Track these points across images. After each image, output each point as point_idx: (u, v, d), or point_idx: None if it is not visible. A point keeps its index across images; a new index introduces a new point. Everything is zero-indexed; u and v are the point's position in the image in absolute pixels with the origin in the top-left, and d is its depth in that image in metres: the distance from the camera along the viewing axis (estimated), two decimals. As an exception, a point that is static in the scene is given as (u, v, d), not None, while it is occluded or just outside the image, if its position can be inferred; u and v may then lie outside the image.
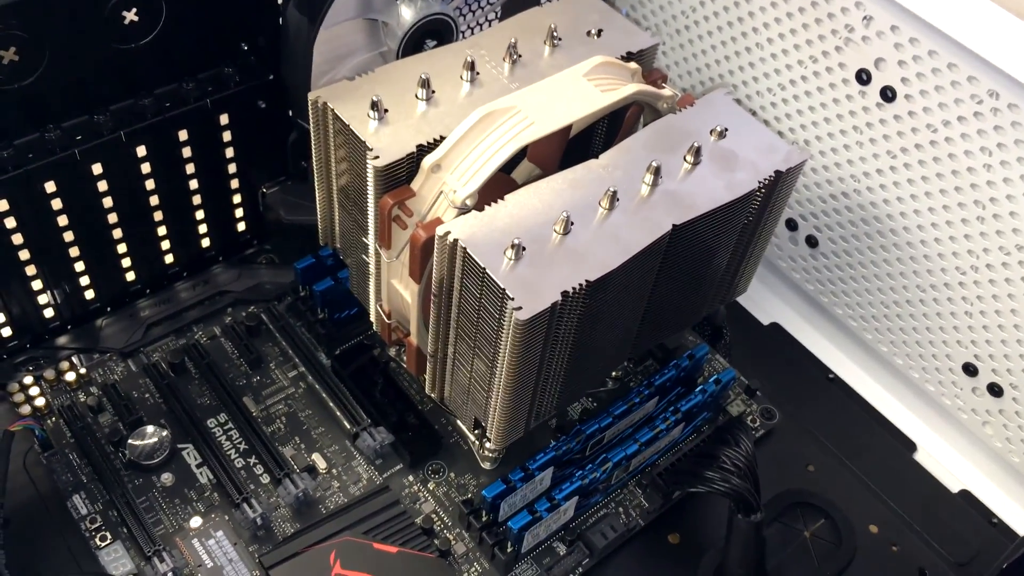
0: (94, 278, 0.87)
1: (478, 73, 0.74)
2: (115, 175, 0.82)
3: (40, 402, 0.83)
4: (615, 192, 0.67)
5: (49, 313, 0.86)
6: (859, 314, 0.99)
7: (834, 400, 0.97)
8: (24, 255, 0.81)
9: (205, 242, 0.94)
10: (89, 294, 0.88)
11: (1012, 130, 0.77)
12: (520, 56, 0.76)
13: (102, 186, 0.81)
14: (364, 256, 0.76)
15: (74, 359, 0.87)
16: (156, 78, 0.80)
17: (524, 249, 0.63)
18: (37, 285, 0.84)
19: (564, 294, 0.62)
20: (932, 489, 0.91)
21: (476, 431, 0.76)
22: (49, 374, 0.85)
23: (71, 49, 0.74)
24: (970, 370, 0.91)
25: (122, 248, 0.87)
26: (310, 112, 0.72)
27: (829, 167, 0.93)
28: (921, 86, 0.82)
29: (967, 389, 0.92)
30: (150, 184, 0.85)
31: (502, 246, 0.63)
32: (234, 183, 0.92)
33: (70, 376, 0.85)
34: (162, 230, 0.89)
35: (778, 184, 0.73)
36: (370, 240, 0.73)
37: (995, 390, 0.90)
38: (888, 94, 0.85)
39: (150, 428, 0.82)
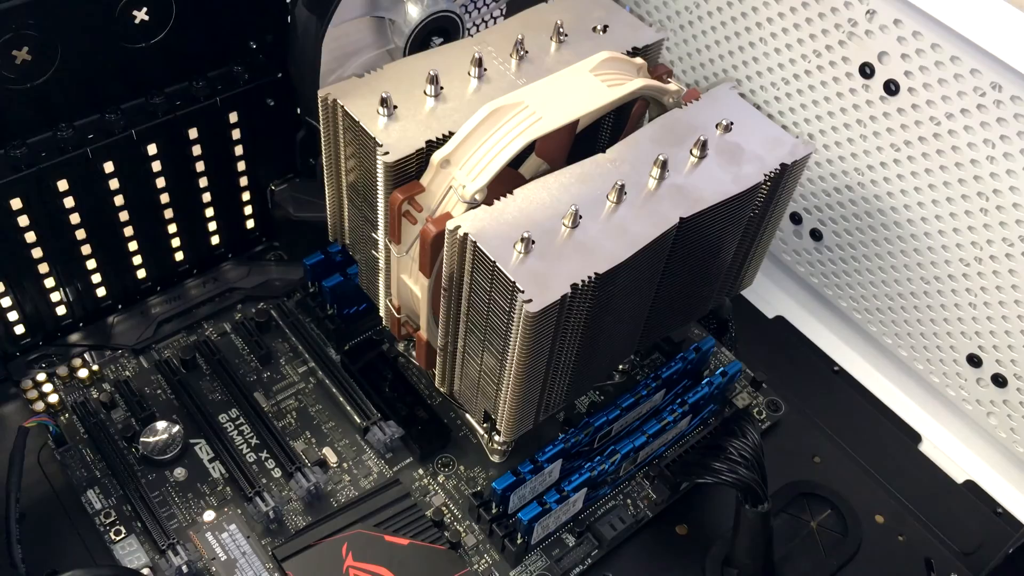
0: (105, 276, 0.88)
1: (485, 69, 0.75)
2: (126, 173, 0.82)
3: (53, 399, 0.84)
4: (623, 186, 0.67)
5: (61, 311, 0.87)
6: (863, 306, 1.00)
7: (839, 392, 0.98)
8: (36, 253, 0.82)
9: (215, 239, 0.94)
10: (101, 292, 0.89)
11: (1015, 122, 0.78)
12: (527, 52, 0.76)
13: (113, 184, 0.82)
14: (374, 251, 0.77)
15: (86, 356, 0.88)
16: (166, 77, 0.81)
17: (533, 242, 0.64)
18: (49, 283, 0.85)
19: (573, 287, 0.63)
20: (937, 479, 0.92)
21: (486, 424, 0.77)
22: (62, 371, 0.86)
23: (82, 49, 0.74)
24: (974, 361, 0.91)
25: (133, 246, 0.88)
26: (320, 109, 0.73)
27: (833, 160, 0.94)
28: (924, 79, 0.83)
29: (971, 380, 0.93)
30: (160, 182, 0.86)
31: (511, 240, 0.64)
32: (243, 180, 0.92)
33: (83, 373, 0.86)
34: (172, 228, 0.90)
35: (784, 177, 0.74)
36: (380, 235, 0.74)
37: (999, 381, 0.90)
38: (891, 87, 0.85)
39: (162, 424, 0.83)
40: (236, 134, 0.88)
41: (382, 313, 0.81)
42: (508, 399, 0.69)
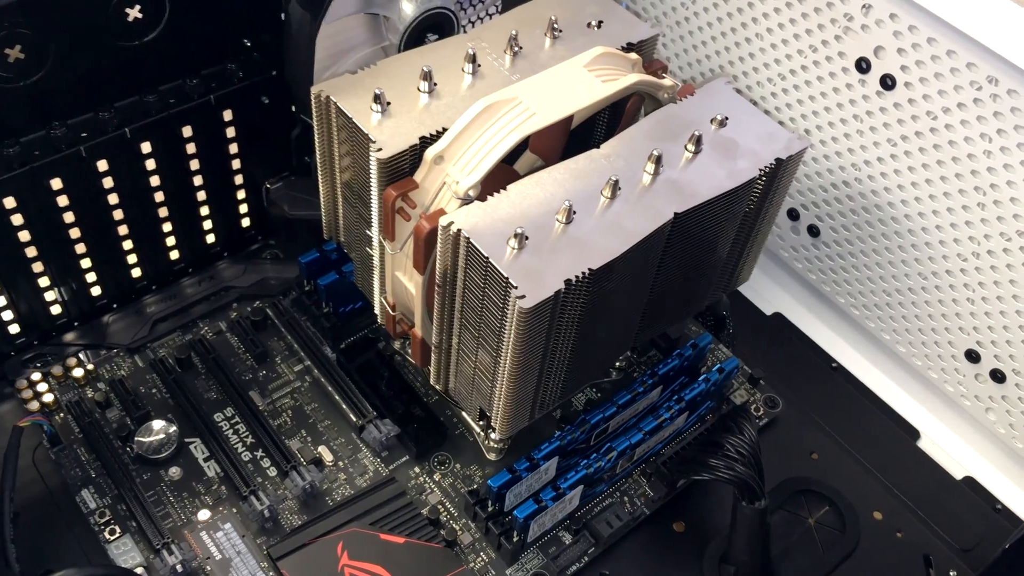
0: (100, 275, 0.88)
1: (479, 65, 0.74)
2: (120, 172, 0.82)
3: (48, 398, 0.84)
4: (617, 181, 0.67)
5: (56, 310, 0.87)
6: (861, 302, 1.00)
7: (837, 388, 0.98)
8: (31, 252, 0.82)
9: (210, 238, 0.94)
10: (96, 291, 0.89)
11: (1012, 116, 0.77)
12: (521, 48, 0.76)
13: (107, 183, 0.82)
14: (368, 249, 0.77)
15: (81, 355, 0.87)
16: (160, 75, 0.81)
17: (527, 238, 0.64)
18: (44, 282, 0.84)
19: (567, 282, 0.62)
20: (936, 476, 0.91)
21: (481, 422, 0.76)
22: (57, 370, 0.85)
23: (76, 47, 0.74)
24: (973, 357, 0.91)
25: (128, 244, 0.88)
26: (313, 106, 0.73)
27: (830, 156, 0.94)
28: (920, 74, 0.82)
29: (970, 376, 0.92)
30: (155, 180, 0.85)
31: (505, 236, 0.64)
32: (238, 179, 0.92)
33: (78, 372, 0.86)
34: (167, 226, 0.90)
35: (779, 172, 0.73)
36: (374, 233, 0.74)
37: (998, 376, 0.90)
38: (888, 82, 0.85)
39: (157, 423, 0.82)
40: (231, 132, 0.88)
41: (377, 311, 0.81)
42: (503, 396, 0.69)
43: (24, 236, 0.80)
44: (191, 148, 0.86)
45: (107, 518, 0.77)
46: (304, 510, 0.80)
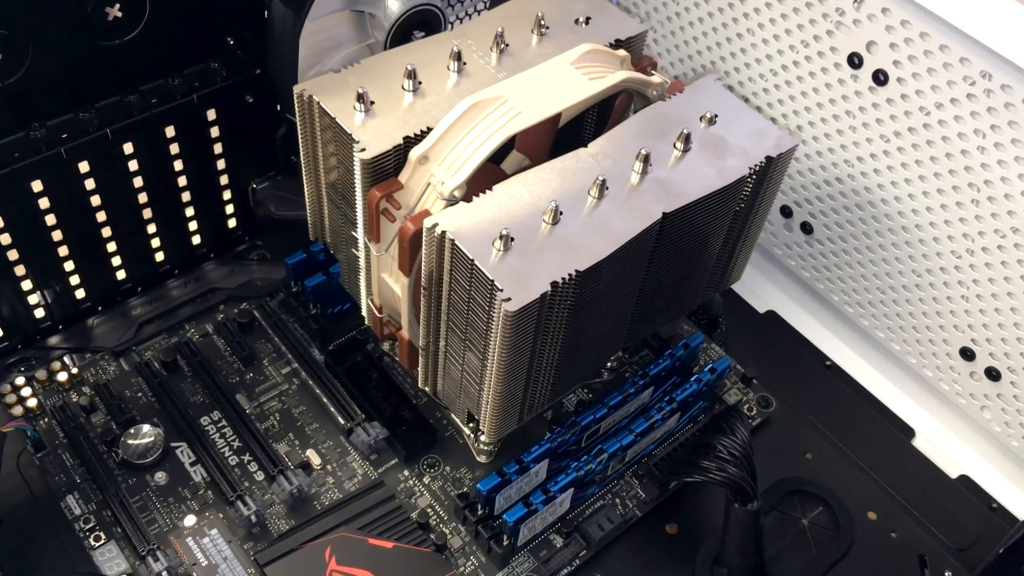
0: (84, 277, 0.87)
1: (465, 63, 0.73)
2: (102, 173, 0.81)
3: (32, 403, 0.83)
4: (604, 181, 0.66)
5: (40, 313, 0.86)
6: (855, 300, 0.99)
7: (831, 387, 0.97)
8: (13, 255, 0.81)
9: (196, 239, 0.93)
10: (80, 293, 0.87)
11: (1005, 111, 0.76)
12: (507, 45, 0.75)
13: (89, 184, 0.81)
14: (354, 250, 0.76)
15: (66, 359, 0.86)
16: (142, 74, 0.79)
17: (513, 240, 0.63)
18: (27, 285, 0.83)
19: (554, 284, 0.61)
20: (931, 475, 0.91)
21: (470, 424, 0.75)
22: (41, 374, 0.85)
23: (55, 47, 0.73)
24: (967, 354, 0.90)
25: (112, 246, 0.87)
26: (296, 105, 0.72)
27: (823, 152, 0.93)
28: (913, 69, 0.81)
29: (965, 374, 0.92)
30: (138, 181, 0.84)
31: (491, 237, 0.63)
32: (223, 179, 0.91)
33: (62, 376, 0.85)
34: (152, 228, 0.89)
35: (769, 170, 0.72)
36: (359, 234, 0.73)
37: (993, 374, 0.89)
38: (880, 77, 0.84)
39: (143, 427, 0.81)
40: (215, 132, 0.86)
41: (364, 313, 0.80)
42: (490, 399, 0.68)
43: (5, 239, 0.79)
44: (174, 148, 0.85)
45: (92, 524, 0.76)
46: (292, 515, 0.79)
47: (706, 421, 0.86)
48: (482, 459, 0.83)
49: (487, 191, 0.66)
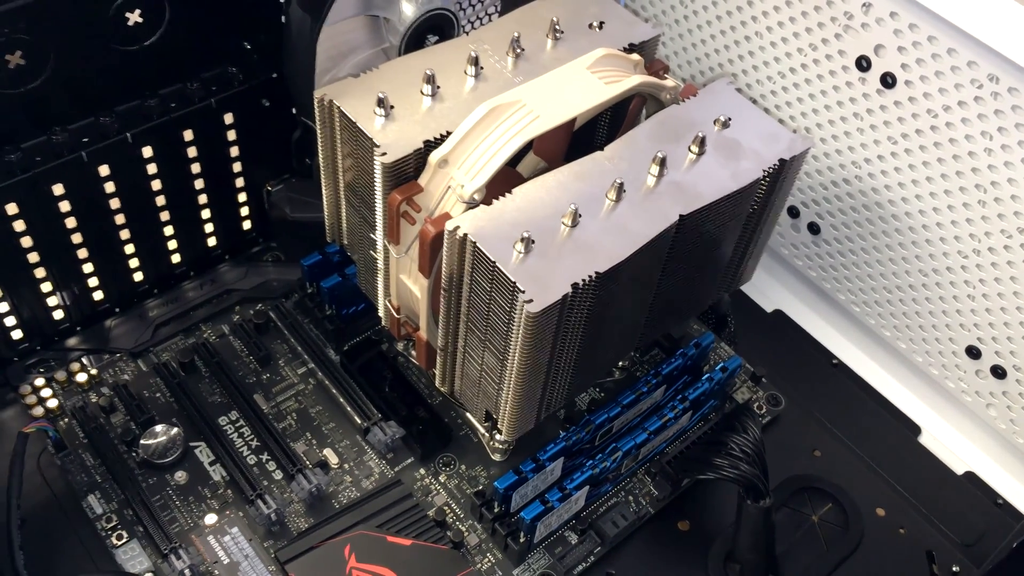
0: (102, 279, 0.88)
1: (482, 68, 0.74)
2: (122, 176, 0.82)
3: (52, 403, 0.84)
4: (622, 184, 0.67)
5: (59, 315, 0.87)
6: (862, 299, 1.00)
7: (839, 385, 0.98)
8: (33, 258, 0.81)
9: (211, 241, 0.94)
10: (98, 295, 0.88)
11: (1012, 114, 0.78)
12: (523, 50, 0.76)
13: (109, 187, 0.82)
14: (372, 252, 0.77)
15: (84, 360, 0.87)
16: (161, 79, 0.81)
17: (533, 242, 0.64)
18: (46, 287, 0.84)
19: (574, 286, 0.62)
20: (937, 472, 0.92)
21: (487, 423, 0.76)
22: (60, 375, 0.85)
23: (76, 52, 0.74)
24: (973, 353, 0.92)
25: (129, 249, 0.88)
26: (316, 110, 0.73)
27: (830, 154, 0.94)
28: (921, 72, 0.82)
29: (971, 372, 0.93)
30: (156, 184, 0.85)
31: (511, 239, 0.64)
32: (239, 181, 0.92)
33: (81, 377, 0.85)
34: (168, 230, 0.90)
35: (782, 172, 0.73)
36: (378, 236, 0.74)
37: (999, 372, 0.90)
38: (888, 80, 0.85)
39: (162, 427, 0.82)
40: (231, 135, 0.87)
41: (381, 313, 0.81)
42: (510, 398, 0.69)
43: (26, 242, 0.80)
44: (192, 152, 0.86)
45: (114, 523, 0.77)
46: (311, 513, 0.80)
47: (717, 419, 0.88)
48: (497, 457, 0.84)
49: (506, 194, 0.67)
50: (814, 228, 1.01)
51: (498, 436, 0.80)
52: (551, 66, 0.74)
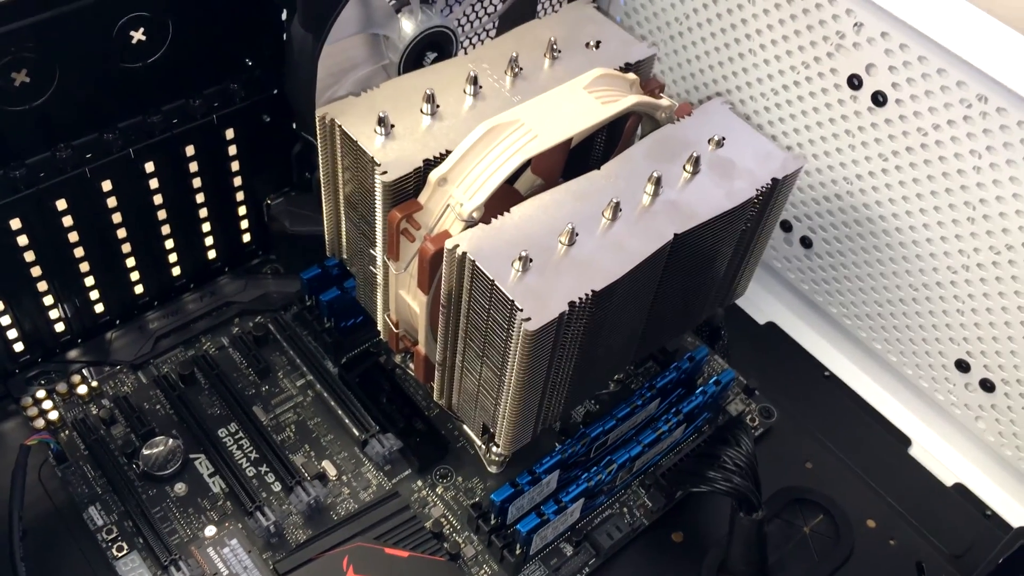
0: (103, 292, 0.88)
1: (481, 87, 0.75)
2: (124, 191, 0.83)
3: (53, 415, 0.85)
4: (618, 203, 0.68)
5: (60, 327, 0.88)
6: (853, 312, 1.01)
7: (830, 397, 0.99)
8: (35, 272, 0.82)
9: (211, 254, 0.95)
10: (99, 308, 0.89)
11: (1001, 133, 0.79)
12: (521, 69, 0.77)
13: (112, 202, 0.83)
14: (371, 267, 0.78)
15: (85, 372, 0.88)
16: (163, 95, 0.81)
17: (531, 260, 0.65)
18: (48, 300, 0.85)
19: (571, 304, 0.64)
20: (927, 483, 0.93)
21: (484, 436, 0.78)
22: (61, 388, 0.86)
23: (80, 70, 0.75)
24: (963, 366, 0.93)
25: (131, 262, 0.89)
26: (317, 128, 0.74)
27: (822, 170, 0.95)
28: (911, 91, 0.84)
29: (960, 385, 0.94)
30: (158, 199, 0.86)
31: (509, 258, 0.65)
32: (240, 195, 0.93)
33: (82, 389, 0.86)
34: (169, 243, 0.91)
35: (775, 191, 0.75)
36: (378, 252, 0.75)
37: (987, 386, 0.92)
38: (879, 99, 0.87)
39: (162, 439, 0.83)
40: (232, 150, 0.88)
41: (380, 327, 0.82)
42: (507, 413, 0.70)
43: (29, 256, 0.81)
44: (194, 167, 0.87)
45: (114, 535, 0.78)
46: (309, 525, 0.81)
47: (711, 432, 0.89)
48: (493, 469, 0.85)
49: (505, 212, 0.68)
50: (806, 242, 1.02)
51: (495, 448, 0.81)
52: (548, 85, 0.75)
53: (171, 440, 0.83)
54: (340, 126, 0.72)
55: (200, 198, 0.90)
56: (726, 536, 0.80)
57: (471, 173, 0.69)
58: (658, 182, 0.70)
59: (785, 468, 0.90)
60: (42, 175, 0.77)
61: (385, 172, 0.69)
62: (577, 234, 0.67)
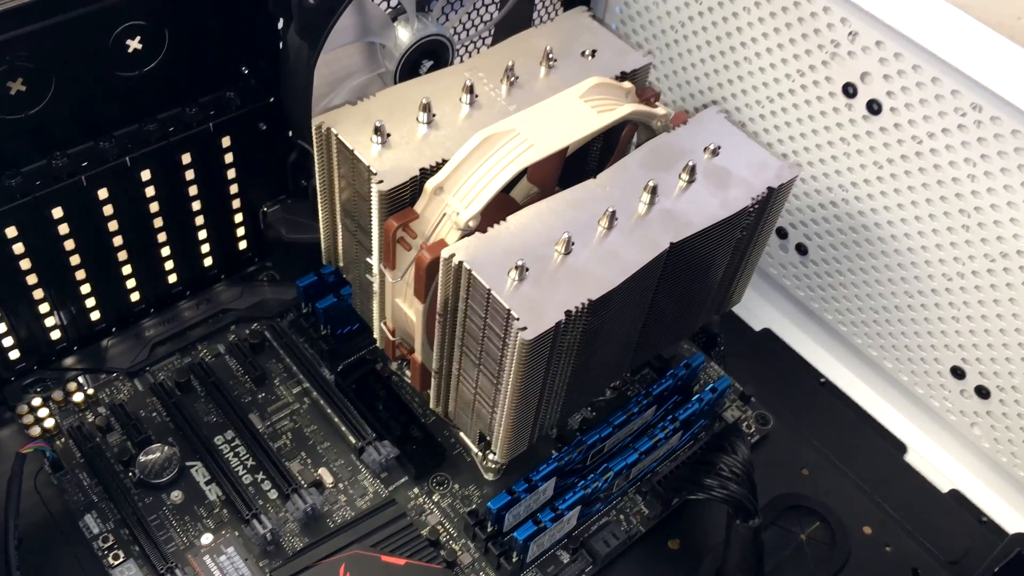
0: (99, 300, 0.88)
1: (477, 96, 0.76)
2: (120, 199, 0.83)
3: (49, 423, 0.85)
4: (614, 212, 0.69)
5: (56, 335, 0.88)
6: (849, 319, 1.01)
7: (826, 404, 1.00)
8: (31, 279, 0.82)
9: (207, 261, 0.95)
10: (95, 315, 0.89)
11: (995, 142, 0.79)
12: (517, 78, 0.78)
13: (108, 210, 0.83)
14: (368, 275, 0.78)
15: (81, 380, 0.88)
16: (159, 103, 0.82)
17: (527, 269, 0.65)
18: (44, 308, 0.85)
19: (567, 313, 0.64)
20: (923, 489, 0.93)
21: (480, 444, 0.78)
22: (57, 395, 0.86)
23: (76, 78, 0.75)
24: (958, 373, 0.93)
25: (127, 269, 0.89)
26: (314, 137, 0.74)
27: (818, 177, 0.96)
28: (906, 99, 0.84)
29: (955, 391, 0.95)
30: (154, 207, 0.86)
31: (506, 267, 0.65)
32: (236, 203, 0.93)
33: (78, 397, 0.86)
34: (165, 251, 0.91)
35: (771, 200, 0.75)
36: (374, 261, 0.75)
37: (982, 392, 0.92)
38: (874, 107, 0.87)
39: (158, 446, 0.83)
40: (228, 158, 0.89)
41: (376, 335, 0.82)
42: (504, 421, 0.70)
43: (25, 264, 0.81)
44: (190, 175, 0.87)
45: (111, 543, 0.78)
46: (305, 532, 0.81)
47: (707, 439, 0.89)
48: (489, 477, 0.85)
49: (501, 221, 0.68)
50: (802, 249, 1.02)
51: (491, 456, 0.81)
52: (544, 94, 0.75)
53: (167, 448, 0.83)
54: (336, 135, 0.72)
55: (196, 206, 0.90)
56: (722, 543, 0.80)
57: (467, 182, 0.69)
58: (654, 191, 0.70)
59: (781, 475, 0.90)
60: (38, 183, 0.77)
61: (381, 181, 0.69)
62: (573, 243, 0.67)
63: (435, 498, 0.84)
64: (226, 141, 0.87)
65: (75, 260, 0.84)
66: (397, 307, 0.76)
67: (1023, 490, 0.93)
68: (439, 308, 0.69)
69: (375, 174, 0.69)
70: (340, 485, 0.84)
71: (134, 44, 0.77)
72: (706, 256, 0.74)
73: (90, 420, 0.85)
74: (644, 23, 1.06)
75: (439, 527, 0.82)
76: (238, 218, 0.94)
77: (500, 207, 0.71)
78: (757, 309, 1.08)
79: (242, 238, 0.96)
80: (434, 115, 0.74)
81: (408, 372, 0.83)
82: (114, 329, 0.92)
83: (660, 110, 0.77)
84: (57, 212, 0.80)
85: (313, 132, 0.74)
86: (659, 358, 0.93)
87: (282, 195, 0.96)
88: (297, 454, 0.86)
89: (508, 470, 0.85)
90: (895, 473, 0.94)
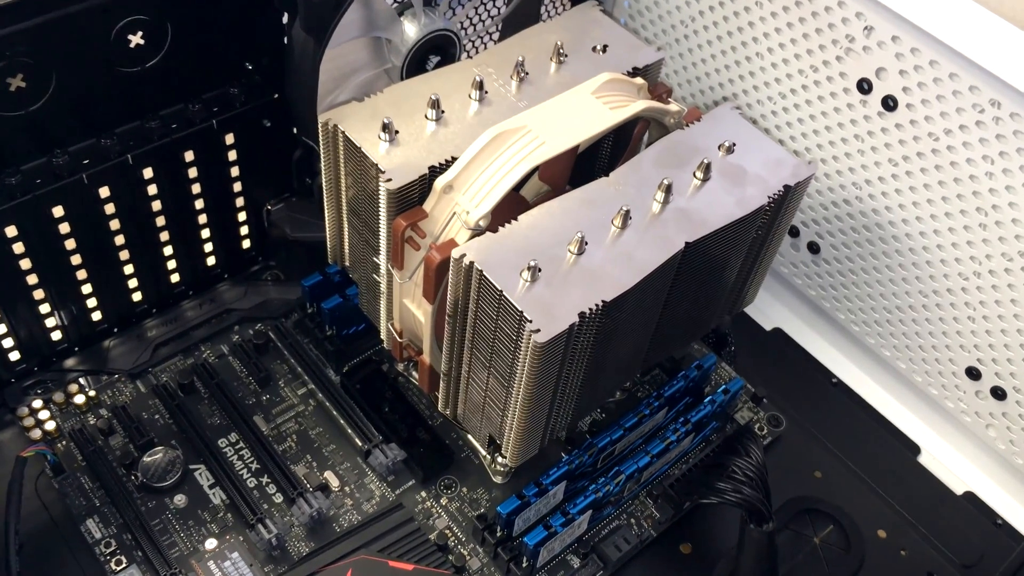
0: (101, 300, 0.87)
1: (486, 92, 0.74)
2: (122, 197, 0.81)
3: (50, 426, 0.83)
4: (627, 211, 0.67)
5: (57, 336, 0.86)
6: (861, 319, 1.00)
7: (839, 405, 0.98)
8: (32, 279, 0.81)
9: (211, 260, 0.93)
10: (96, 316, 0.88)
11: (1014, 139, 0.78)
12: (527, 74, 0.76)
13: (109, 209, 0.81)
14: (375, 275, 0.76)
15: (82, 381, 0.87)
16: (162, 100, 0.80)
17: (540, 270, 0.64)
18: (44, 308, 0.84)
19: (581, 315, 0.62)
20: (937, 492, 0.92)
21: (489, 447, 0.76)
22: (58, 397, 0.85)
23: (77, 74, 0.73)
24: (973, 374, 0.92)
25: (129, 269, 0.87)
26: (320, 134, 0.72)
27: (831, 175, 0.94)
28: (922, 95, 0.83)
29: (970, 393, 0.93)
30: (156, 205, 0.85)
31: (518, 268, 0.64)
32: (239, 201, 0.92)
33: (79, 399, 0.85)
34: (168, 250, 0.89)
35: (787, 198, 0.74)
36: (382, 260, 0.73)
37: (998, 393, 0.91)
38: (889, 103, 0.85)
39: (161, 449, 0.82)
40: (232, 155, 0.87)
41: (383, 336, 0.81)
42: (515, 425, 0.69)
43: (25, 264, 0.79)
44: (193, 172, 0.85)
45: (113, 548, 0.77)
46: (311, 537, 0.79)
47: (719, 441, 0.88)
48: (498, 480, 0.84)
49: (513, 220, 0.67)
50: (814, 247, 1.01)
51: (500, 459, 0.79)
52: (555, 90, 0.74)
53: (170, 450, 0.82)
54: (343, 132, 0.70)
55: (199, 204, 0.88)
56: (735, 548, 0.79)
57: (477, 180, 0.68)
58: (668, 189, 0.69)
59: (794, 477, 0.89)
60: (38, 181, 0.76)
61: (390, 179, 0.68)
62: (586, 243, 0.66)
63: (443, 502, 0.83)
64: (229, 138, 0.85)
65: (76, 259, 0.82)
66: (405, 308, 0.75)
67: (1040, 493, 0.92)
68: (449, 309, 0.68)
69: (383, 172, 0.68)
70: (346, 488, 0.83)
71: (136, 39, 0.75)
72: (721, 256, 0.72)
73: (92, 422, 0.84)
74: (654, 17, 1.04)
75: (447, 531, 0.81)
76: (242, 216, 0.93)
77: (511, 206, 0.70)
78: (768, 308, 1.06)
79: (246, 237, 0.95)
80: (443, 111, 0.72)
81: (415, 373, 0.81)
82: (116, 330, 0.90)
83: (673, 106, 0.76)
84: (58, 211, 0.78)
85: (320, 129, 0.72)
86: (670, 359, 0.91)
87: (286, 193, 0.94)
88: (302, 457, 0.84)
89: (517, 473, 0.84)
90: (909, 475, 0.93)
